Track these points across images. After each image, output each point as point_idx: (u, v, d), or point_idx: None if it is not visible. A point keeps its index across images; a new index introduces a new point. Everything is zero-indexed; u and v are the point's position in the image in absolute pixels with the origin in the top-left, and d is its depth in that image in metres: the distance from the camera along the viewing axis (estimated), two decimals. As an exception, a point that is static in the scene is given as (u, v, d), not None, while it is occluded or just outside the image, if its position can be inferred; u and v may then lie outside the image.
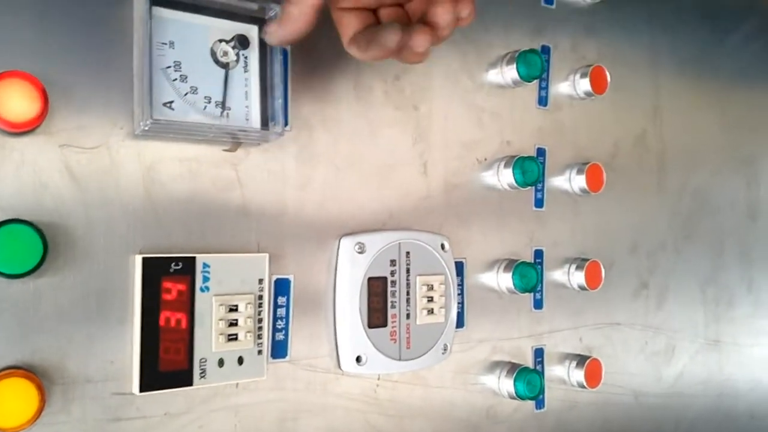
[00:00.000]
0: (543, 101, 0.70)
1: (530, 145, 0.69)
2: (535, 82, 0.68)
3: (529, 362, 0.69)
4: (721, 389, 0.89)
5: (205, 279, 0.49)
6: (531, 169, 0.64)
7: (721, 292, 0.89)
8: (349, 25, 0.47)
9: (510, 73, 0.65)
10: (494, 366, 0.66)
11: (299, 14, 0.44)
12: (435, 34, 0.44)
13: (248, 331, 0.50)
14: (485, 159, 0.66)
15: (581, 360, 0.71)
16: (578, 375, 0.70)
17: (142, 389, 0.47)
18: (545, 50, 0.71)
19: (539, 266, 0.70)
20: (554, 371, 0.71)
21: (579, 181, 0.71)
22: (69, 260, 0.45)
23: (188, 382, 0.48)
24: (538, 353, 0.70)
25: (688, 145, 0.86)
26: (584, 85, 0.71)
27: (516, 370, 0.65)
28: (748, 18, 0.96)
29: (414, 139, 0.61)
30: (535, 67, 0.65)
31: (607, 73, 0.72)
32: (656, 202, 0.81)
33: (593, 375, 0.71)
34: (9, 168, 0.44)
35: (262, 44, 0.51)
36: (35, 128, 0.44)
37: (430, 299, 0.60)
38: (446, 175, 0.63)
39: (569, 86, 0.72)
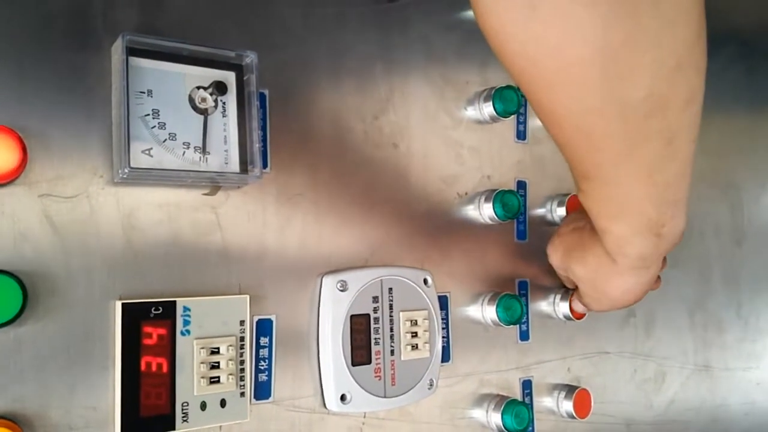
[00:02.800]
0: (521, 135, 0.71)
1: (510, 179, 0.70)
2: (513, 116, 0.69)
3: (518, 394, 0.69)
4: (714, 415, 0.89)
5: (186, 322, 0.49)
6: (511, 203, 0.65)
7: (710, 318, 0.89)
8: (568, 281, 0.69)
9: (487, 109, 0.66)
10: (482, 399, 0.66)
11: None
12: None
13: (230, 374, 0.51)
14: (466, 193, 0.66)
15: (570, 390, 0.71)
16: (567, 405, 0.70)
17: (123, 435, 0.47)
18: (522, 85, 0.72)
19: (524, 298, 0.70)
20: (543, 402, 0.71)
21: (560, 212, 0.71)
22: (49, 308, 0.46)
23: (170, 426, 0.48)
24: (526, 385, 0.70)
25: (670, 171, 0.87)
26: (562, 117, 0.72)
27: (504, 403, 0.64)
28: (726, 45, 0.97)
29: (394, 176, 0.62)
30: (512, 102, 0.66)
31: (585, 105, 0.73)
32: (640, 230, 0.82)
33: (582, 405, 0.71)
34: (-12, 219, 0.44)
35: (240, 89, 0.52)
36: (14, 179, 0.44)
37: (414, 334, 0.60)
38: (427, 210, 0.64)
39: (548, 119, 0.73)
